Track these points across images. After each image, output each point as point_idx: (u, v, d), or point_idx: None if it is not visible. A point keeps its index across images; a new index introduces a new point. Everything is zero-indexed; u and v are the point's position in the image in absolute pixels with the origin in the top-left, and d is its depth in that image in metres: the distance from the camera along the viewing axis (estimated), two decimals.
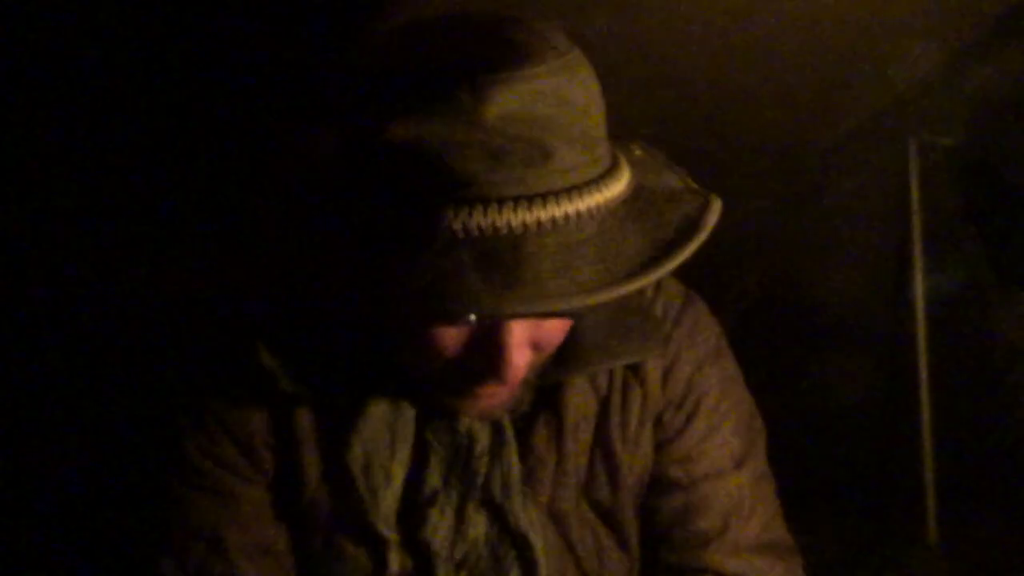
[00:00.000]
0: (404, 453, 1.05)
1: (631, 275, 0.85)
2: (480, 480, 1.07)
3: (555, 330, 0.96)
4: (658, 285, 1.12)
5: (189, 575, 1.06)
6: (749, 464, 1.14)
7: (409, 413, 1.05)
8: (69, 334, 1.77)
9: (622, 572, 1.15)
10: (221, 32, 1.61)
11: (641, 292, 1.11)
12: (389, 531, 1.06)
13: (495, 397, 0.99)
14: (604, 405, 1.10)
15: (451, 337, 0.93)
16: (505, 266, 0.83)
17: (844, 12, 1.72)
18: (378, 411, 1.05)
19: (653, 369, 1.11)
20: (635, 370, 1.10)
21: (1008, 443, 2.01)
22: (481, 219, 0.83)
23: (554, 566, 1.11)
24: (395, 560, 1.07)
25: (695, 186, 0.97)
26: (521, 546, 1.08)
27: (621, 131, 0.96)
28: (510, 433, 1.07)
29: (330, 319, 1.00)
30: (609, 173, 0.89)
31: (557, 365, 1.03)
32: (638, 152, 1.01)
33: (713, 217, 0.91)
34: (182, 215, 1.69)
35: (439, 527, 1.07)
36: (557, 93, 0.84)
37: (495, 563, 1.09)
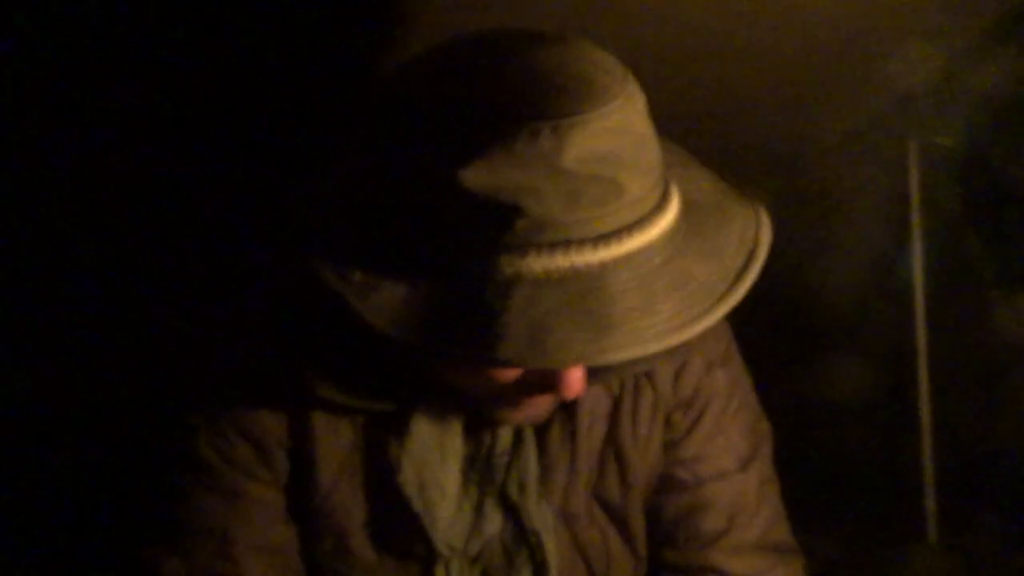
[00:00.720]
0: (455, 466, 1.06)
1: (709, 309, 0.86)
2: (499, 479, 1.07)
3: None
4: None
5: (195, 574, 1.06)
6: (755, 466, 1.15)
7: (456, 427, 1.06)
8: (86, 328, 1.77)
9: (629, 572, 1.16)
10: (255, 36, 1.61)
11: None
12: (448, 548, 1.06)
13: (541, 406, 1.00)
14: (616, 405, 1.10)
15: (514, 370, 0.94)
16: (592, 310, 0.82)
17: (844, 12, 1.72)
18: (425, 428, 1.04)
19: (664, 370, 1.11)
20: (647, 371, 1.11)
21: (1008, 443, 2.01)
22: (562, 261, 0.82)
23: (564, 566, 1.11)
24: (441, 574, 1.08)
25: (726, 186, 0.98)
26: (534, 545, 1.08)
27: None
28: (529, 434, 1.07)
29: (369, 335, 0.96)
30: (665, 194, 0.89)
31: None
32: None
33: (768, 235, 0.92)
34: (209, 212, 1.70)
35: (456, 522, 1.07)
36: (626, 127, 0.83)
37: (508, 561, 1.09)
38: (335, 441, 1.06)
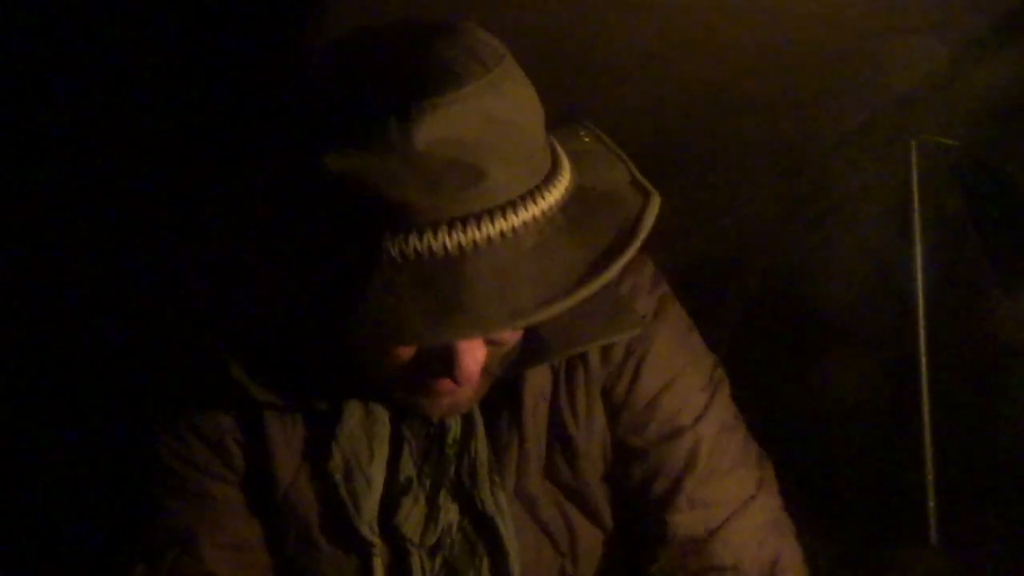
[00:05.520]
0: (382, 456, 1.07)
1: (567, 291, 0.86)
2: (452, 468, 1.08)
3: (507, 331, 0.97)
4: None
5: None
6: (709, 417, 1.13)
7: (384, 416, 1.07)
8: (43, 340, 1.77)
9: (597, 543, 1.17)
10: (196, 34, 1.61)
11: None
12: (373, 534, 1.08)
13: (457, 395, 1.00)
14: (555, 384, 1.11)
15: (404, 350, 0.95)
16: (443, 292, 0.84)
17: (844, 12, 1.72)
18: (354, 417, 1.06)
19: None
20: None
21: (1008, 443, 2.01)
22: (417, 244, 0.84)
23: (528, 548, 1.12)
24: (379, 562, 1.09)
25: (640, 178, 0.97)
26: (490, 531, 1.09)
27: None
28: (479, 422, 1.09)
29: (295, 329, 1.00)
30: (547, 180, 0.89)
31: (520, 356, 1.04)
32: (586, 139, 1.01)
33: (651, 218, 0.91)
34: (156, 220, 1.70)
35: (411, 514, 1.08)
36: (486, 112, 0.84)
37: (468, 549, 1.11)
38: (289, 437, 1.08)
